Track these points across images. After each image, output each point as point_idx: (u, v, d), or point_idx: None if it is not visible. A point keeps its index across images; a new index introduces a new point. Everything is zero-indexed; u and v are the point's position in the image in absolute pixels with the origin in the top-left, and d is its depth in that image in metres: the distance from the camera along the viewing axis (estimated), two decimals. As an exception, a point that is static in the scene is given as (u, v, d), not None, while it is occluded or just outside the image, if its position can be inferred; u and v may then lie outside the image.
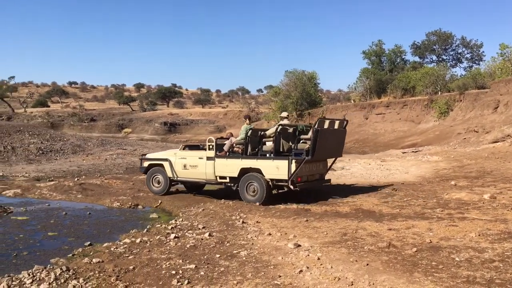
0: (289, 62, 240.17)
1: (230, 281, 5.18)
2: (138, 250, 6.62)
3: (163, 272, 5.59)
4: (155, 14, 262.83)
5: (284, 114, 11.67)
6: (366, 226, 7.51)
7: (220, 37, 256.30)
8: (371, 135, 37.80)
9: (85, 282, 5.26)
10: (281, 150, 10.21)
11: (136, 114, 68.37)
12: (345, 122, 11.15)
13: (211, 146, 10.62)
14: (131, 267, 5.76)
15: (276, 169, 9.74)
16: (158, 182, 11.49)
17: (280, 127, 10.29)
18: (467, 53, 54.35)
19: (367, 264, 5.51)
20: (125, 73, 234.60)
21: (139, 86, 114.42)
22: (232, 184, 10.46)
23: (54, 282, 5.21)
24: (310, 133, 9.99)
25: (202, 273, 5.50)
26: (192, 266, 5.75)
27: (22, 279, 5.30)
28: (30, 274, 5.44)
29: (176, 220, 8.78)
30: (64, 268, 5.62)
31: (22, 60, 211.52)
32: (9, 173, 16.00)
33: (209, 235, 7.36)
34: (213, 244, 6.83)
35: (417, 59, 54.90)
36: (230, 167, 10.33)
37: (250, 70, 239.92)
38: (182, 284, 5.15)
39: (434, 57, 54.59)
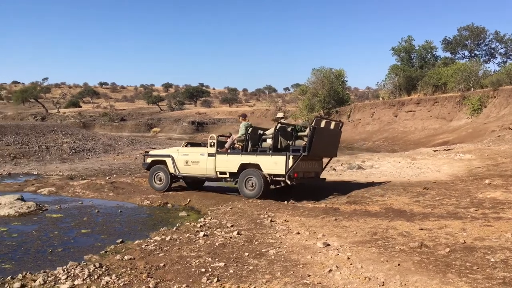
0: (316, 59, 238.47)
1: (259, 279, 5.19)
2: (168, 247, 6.71)
3: (193, 269, 5.64)
4: (182, 14, 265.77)
5: (280, 114, 12.10)
6: (396, 226, 7.38)
7: (246, 36, 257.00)
8: (401, 133, 37.14)
9: (117, 278, 5.36)
10: (279, 147, 10.54)
11: (164, 113, 69.38)
12: (340, 124, 11.72)
13: (212, 143, 11.04)
14: (161, 264, 5.85)
15: (274, 164, 10.14)
16: (160, 180, 11.87)
17: (279, 125, 10.65)
18: (501, 48, 52.69)
19: (399, 264, 5.41)
20: (154, 73, 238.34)
21: (167, 86, 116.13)
22: (231, 179, 10.90)
23: (88, 278, 5.34)
24: (307, 131, 10.36)
25: (231, 271, 5.53)
26: (222, 264, 5.78)
27: (57, 275, 5.46)
28: (65, 270, 5.59)
29: (204, 219, 8.85)
30: (97, 264, 5.76)
31: (55, 61, 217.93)
32: (44, 171, 16.51)
33: (238, 233, 7.39)
34: (242, 243, 6.86)
35: (448, 55, 53.57)
36: (230, 163, 10.75)
37: (277, 68, 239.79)
38: (211, 281, 5.18)
39: (466, 53, 53.10)
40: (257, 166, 10.35)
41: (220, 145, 11.16)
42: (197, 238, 7.20)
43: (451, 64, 45.36)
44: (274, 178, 10.34)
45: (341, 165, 16.85)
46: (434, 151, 21.09)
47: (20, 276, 5.41)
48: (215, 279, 5.23)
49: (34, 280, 5.27)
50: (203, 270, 5.59)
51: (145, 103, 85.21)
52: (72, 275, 5.45)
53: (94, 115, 67.56)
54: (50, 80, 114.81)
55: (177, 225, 8.38)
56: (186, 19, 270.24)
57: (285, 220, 8.26)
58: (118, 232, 8.17)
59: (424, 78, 43.13)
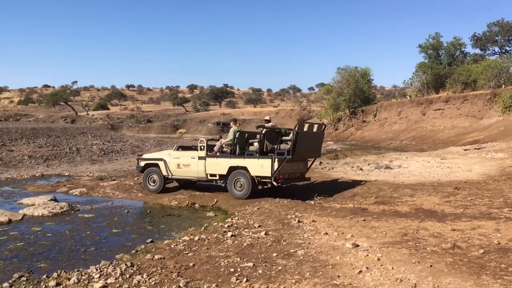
0: (342, 59, 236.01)
1: (289, 280, 5.18)
2: (197, 247, 6.78)
3: (222, 269, 5.68)
4: (207, 16, 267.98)
5: (267, 117, 12.44)
6: (427, 227, 7.24)
7: (270, 36, 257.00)
8: (429, 131, 36.41)
9: (148, 277, 5.45)
10: (265, 150, 11.07)
11: (189, 114, 70.07)
12: (323, 126, 12.28)
13: (202, 147, 11.50)
14: (191, 264, 5.91)
15: (260, 167, 10.61)
16: (154, 182, 12.24)
17: (265, 129, 11.25)
18: (533, 43, 50.89)
19: (431, 266, 5.31)
20: (179, 75, 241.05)
21: (192, 88, 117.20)
22: (221, 181, 11.38)
23: (120, 277, 5.45)
24: (291, 135, 10.79)
25: (260, 271, 5.54)
26: (250, 264, 5.80)
27: (91, 273, 5.59)
28: (98, 269, 5.73)
29: (232, 219, 8.90)
30: (128, 263, 5.87)
31: (84, 65, 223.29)
32: (75, 173, 16.92)
33: (265, 233, 7.40)
34: (270, 243, 6.86)
35: (478, 51, 52.16)
36: (219, 166, 11.24)
37: (301, 68, 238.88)
38: (241, 281, 5.21)
39: (497, 49, 51.58)
40: (245, 169, 10.81)
41: (210, 148, 11.61)
42: (225, 238, 7.25)
43: (481, 60, 44.17)
44: (261, 180, 10.77)
45: (368, 164, 16.65)
46: (465, 150, 20.60)
47: (55, 274, 5.57)
48: (244, 279, 5.25)
49: (69, 279, 5.41)
50: (232, 270, 5.62)
51: (170, 105, 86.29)
52: (105, 274, 5.57)
53: (121, 117, 68.82)
54: (79, 83, 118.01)
55: (205, 225, 8.45)
56: (210, 20, 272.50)
57: (313, 221, 8.22)
58: (147, 232, 8.31)
59: (453, 75, 42.15)
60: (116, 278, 5.40)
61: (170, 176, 12.08)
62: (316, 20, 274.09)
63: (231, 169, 10.99)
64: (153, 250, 6.78)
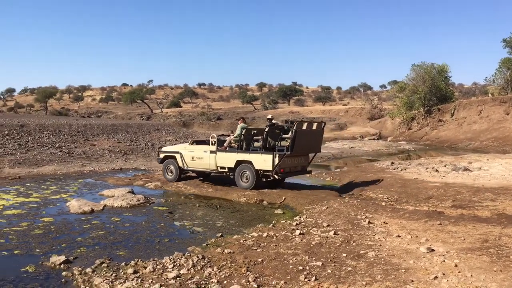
0: (416, 55, 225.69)
1: (359, 281, 5.06)
2: (265, 244, 6.84)
3: (290, 267, 5.68)
4: (273, 15, 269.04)
5: (269, 116, 13.02)
6: (511, 233, 6.73)
7: (340, 33, 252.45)
8: (513, 132, 33.79)
9: (219, 270, 5.60)
10: (268, 146, 12.06)
11: (258, 112, 70.77)
12: (323, 124, 13.00)
13: (213, 142, 12.60)
14: (259, 260, 5.98)
15: (263, 161, 11.65)
16: (171, 172, 13.47)
17: (268, 127, 12.21)
18: None
19: (515, 276, 4.93)
20: (248, 74, 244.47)
21: (261, 86, 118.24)
22: (229, 173, 12.45)
23: (192, 268, 5.65)
24: (290, 133, 11.67)
25: (329, 271, 5.47)
26: (319, 263, 5.75)
27: (165, 263, 5.85)
28: (171, 259, 5.98)
29: (300, 217, 8.87)
30: (200, 256, 6.07)
31: (159, 65, 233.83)
32: (150, 167, 17.79)
33: (334, 233, 7.30)
34: (339, 243, 6.75)
35: None
36: (228, 159, 12.28)
37: (372, 65, 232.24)
38: (309, 280, 5.17)
39: None
40: (250, 163, 11.87)
41: (220, 143, 12.59)
42: (293, 236, 7.24)
43: None
44: (264, 173, 11.79)
45: (445, 166, 15.81)
46: (555, 152, 18.85)
47: (132, 263, 5.90)
48: (313, 278, 5.21)
49: (145, 267, 5.70)
50: (300, 268, 5.61)
51: (240, 103, 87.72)
52: (178, 264, 5.80)
53: (193, 114, 71.17)
54: (154, 82, 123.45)
55: (273, 222, 8.51)
56: (280, 19, 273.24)
57: (384, 222, 7.96)
58: (217, 226, 8.52)
59: (542, 71, 38.75)
60: (188, 269, 5.60)
61: (185, 167, 13.23)
62: (388, 15, 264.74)
63: (238, 162, 12.06)
64: (223, 244, 6.95)
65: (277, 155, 11.46)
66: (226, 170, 12.45)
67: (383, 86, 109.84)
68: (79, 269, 5.71)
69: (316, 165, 21.18)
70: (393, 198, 10.82)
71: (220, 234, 7.70)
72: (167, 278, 5.31)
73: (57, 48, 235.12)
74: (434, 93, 44.33)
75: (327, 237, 7.13)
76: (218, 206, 10.48)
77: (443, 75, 46.06)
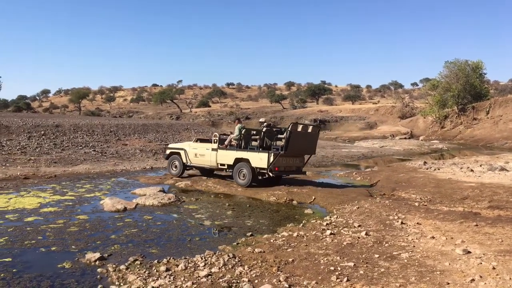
0: (450, 52, 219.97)
1: (392, 283, 4.96)
2: (295, 243, 6.80)
3: (322, 267, 5.63)
4: (305, 14, 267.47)
5: (262, 119, 14.21)
6: (553, 236, 6.46)
7: (369, 30, 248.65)
8: (553, 130, 32.48)
9: (249, 269, 5.60)
10: (264, 146, 12.74)
11: (286, 111, 70.63)
12: (318, 128, 13.88)
13: (215, 140, 13.40)
14: (290, 260, 5.95)
15: (259, 159, 12.29)
16: (176, 167, 14.35)
17: (265, 128, 12.98)
18: None
19: (558, 281, 4.73)
20: (277, 73, 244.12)
21: (289, 85, 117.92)
22: (229, 170, 13.18)
23: (223, 267, 5.68)
24: (285, 134, 12.35)
25: (361, 272, 5.39)
26: (351, 264, 5.67)
27: (196, 262, 5.90)
28: (203, 258, 6.03)
29: (330, 217, 8.79)
30: (230, 255, 6.09)
31: (187, 65, 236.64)
32: (180, 166, 17.97)
33: (366, 234, 7.19)
34: (371, 244, 6.65)
35: None
36: (228, 157, 13.03)
37: (403, 63, 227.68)
38: (341, 281, 5.11)
39: None
40: (247, 161, 12.53)
41: (221, 142, 13.38)
42: (324, 236, 7.18)
43: None
44: (260, 171, 12.38)
45: (480, 166, 15.34)
46: None
47: (165, 260, 5.98)
48: (345, 279, 5.15)
49: (177, 265, 5.77)
50: (332, 268, 5.55)
51: (268, 102, 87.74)
52: (209, 263, 5.84)
53: (221, 114, 71.71)
54: (183, 82, 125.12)
55: (303, 222, 8.46)
56: (309, 18, 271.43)
57: (417, 223, 7.79)
58: (247, 225, 8.53)
59: None
60: (219, 268, 5.64)
61: (188, 163, 14.07)
62: (420, 12, 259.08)
63: (237, 160, 12.77)
64: (253, 243, 6.95)
65: (272, 154, 12.11)
66: (226, 167, 13.20)
67: (414, 84, 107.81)
68: (114, 266, 5.83)
69: (346, 164, 20.95)
70: (427, 199, 10.58)
71: (250, 233, 7.71)
72: (199, 277, 5.35)
73: (90, 50, 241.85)
74: (468, 90, 43.14)
75: (359, 237, 7.03)
76: (247, 205, 10.50)
77: (477, 72, 44.75)
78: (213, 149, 13.37)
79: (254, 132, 13.61)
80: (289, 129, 12.24)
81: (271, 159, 12.07)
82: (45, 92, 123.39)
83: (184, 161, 14.09)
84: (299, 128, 12.80)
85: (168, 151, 14.85)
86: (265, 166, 12.16)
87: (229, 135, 13.81)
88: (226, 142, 13.34)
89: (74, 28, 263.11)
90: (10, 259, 6.14)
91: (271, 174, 12.25)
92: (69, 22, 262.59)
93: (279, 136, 12.86)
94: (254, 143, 13.13)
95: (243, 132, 13.07)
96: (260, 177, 12.73)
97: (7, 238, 7.13)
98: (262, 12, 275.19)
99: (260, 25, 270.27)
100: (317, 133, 13.62)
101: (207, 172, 14.48)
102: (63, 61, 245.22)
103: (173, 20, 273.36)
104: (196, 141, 14.52)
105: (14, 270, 5.74)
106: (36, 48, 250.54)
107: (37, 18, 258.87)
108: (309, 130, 13.21)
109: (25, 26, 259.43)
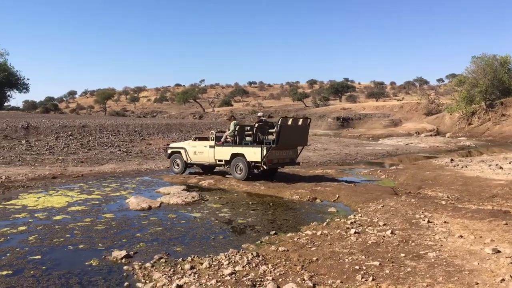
0: (476, 46, 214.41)
1: (419, 283, 4.87)
2: (319, 242, 6.76)
3: (346, 266, 5.57)
4: (324, 13, 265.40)
5: (259, 114, 14.99)
6: None
7: (393, 26, 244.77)
8: None
9: (273, 268, 5.59)
10: (258, 140, 13.43)
11: (309, 110, 70.18)
12: (308, 120, 14.25)
13: (212, 138, 14.09)
14: (314, 258, 5.91)
15: (254, 153, 12.93)
16: (177, 165, 15.07)
17: (258, 123, 13.67)
18: None
19: None
20: (299, 71, 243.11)
21: (312, 83, 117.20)
22: (226, 166, 13.93)
23: (247, 265, 5.69)
24: (275, 128, 12.92)
25: (387, 271, 5.31)
26: (376, 263, 5.60)
27: (220, 260, 5.93)
28: (227, 256, 6.06)
29: (355, 215, 8.69)
30: (254, 253, 6.10)
31: (210, 64, 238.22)
32: (203, 165, 18.09)
33: (391, 232, 7.08)
34: (396, 243, 6.55)
35: None
36: (224, 153, 13.70)
37: (428, 58, 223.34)
38: (366, 280, 5.05)
39: None
40: (242, 155, 13.18)
41: (218, 139, 14.00)
42: (348, 235, 7.11)
43: None
44: (255, 164, 13.01)
45: (509, 163, 14.94)
46: None
47: (189, 258, 6.03)
48: (370, 278, 5.08)
49: (201, 263, 5.81)
50: (356, 267, 5.48)
51: (290, 100, 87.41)
52: (233, 261, 5.86)
53: (244, 112, 71.80)
54: (206, 81, 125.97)
55: (327, 220, 8.40)
56: (331, 15, 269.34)
57: (445, 222, 7.63)
58: (270, 224, 8.52)
59: None
60: (243, 266, 5.65)
61: (189, 161, 14.76)
62: (445, 6, 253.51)
63: (233, 155, 13.41)
64: (276, 242, 6.94)
65: (265, 148, 12.72)
66: (223, 162, 13.86)
67: (440, 80, 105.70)
68: (139, 263, 5.91)
69: (370, 162, 20.70)
70: (454, 197, 10.36)
71: (274, 231, 7.70)
72: (223, 275, 5.37)
73: (115, 51, 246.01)
74: (496, 86, 42.02)
75: (384, 236, 6.93)
76: (271, 204, 10.49)
77: (506, 67, 43.53)
78: (210, 146, 14.06)
79: (248, 128, 14.24)
80: (279, 123, 12.84)
81: (264, 152, 12.67)
82: (72, 93, 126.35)
83: (185, 159, 14.78)
84: (289, 122, 13.34)
85: (169, 151, 15.52)
86: (259, 160, 12.77)
87: (225, 132, 14.40)
88: (222, 139, 13.94)
89: (99, 31, 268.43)
90: (39, 257, 6.31)
91: (265, 167, 12.90)
92: (94, 23, 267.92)
93: (270, 130, 13.37)
94: (248, 138, 13.73)
95: (237, 128, 13.72)
96: (256, 171, 13.46)
97: (37, 236, 7.33)
98: (284, 10, 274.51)
99: (282, 23, 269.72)
100: (308, 125, 14.14)
101: (208, 168, 15.21)
102: (89, 63, 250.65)
103: (194, 20, 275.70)
104: (195, 140, 15.16)
105: (43, 267, 5.89)
106: (64, 48, 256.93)
107: (66, 19, 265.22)
108: (299, 123, 13.77)
109: (54, 25, 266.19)
